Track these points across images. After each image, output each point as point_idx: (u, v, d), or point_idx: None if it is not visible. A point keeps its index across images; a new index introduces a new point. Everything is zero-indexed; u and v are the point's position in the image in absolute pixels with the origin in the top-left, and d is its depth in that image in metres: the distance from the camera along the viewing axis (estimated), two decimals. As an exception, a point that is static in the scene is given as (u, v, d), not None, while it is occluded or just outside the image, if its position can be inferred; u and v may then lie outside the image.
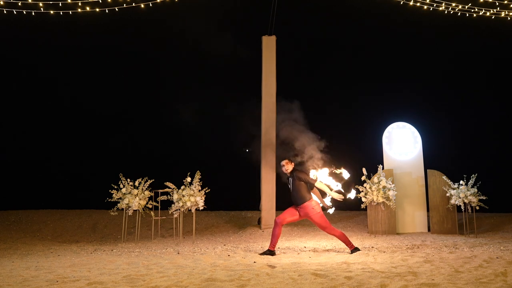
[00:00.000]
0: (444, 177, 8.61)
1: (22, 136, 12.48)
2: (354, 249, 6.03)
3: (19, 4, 8.54)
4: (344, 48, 13.14)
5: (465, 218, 8.43)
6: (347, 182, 6.65)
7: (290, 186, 6.26)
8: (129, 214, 7.83)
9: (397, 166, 9.24)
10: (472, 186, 8.12)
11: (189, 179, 7.76)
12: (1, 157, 11.93)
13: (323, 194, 6.39)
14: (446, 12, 9.80)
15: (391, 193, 8.41)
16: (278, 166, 9.79)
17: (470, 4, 9.59)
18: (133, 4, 9.17)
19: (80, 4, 8.83)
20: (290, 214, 6.17)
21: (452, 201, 8.30)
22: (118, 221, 9.38)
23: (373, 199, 8.47)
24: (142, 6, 9.29)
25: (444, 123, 12.46)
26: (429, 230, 8.99)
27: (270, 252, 5.96)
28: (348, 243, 6.10)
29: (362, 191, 8.56)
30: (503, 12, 9.61)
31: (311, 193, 6.23)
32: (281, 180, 9.87)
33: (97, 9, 9.03)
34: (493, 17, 9.71)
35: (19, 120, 12.57)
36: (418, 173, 9.28)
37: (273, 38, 9.97)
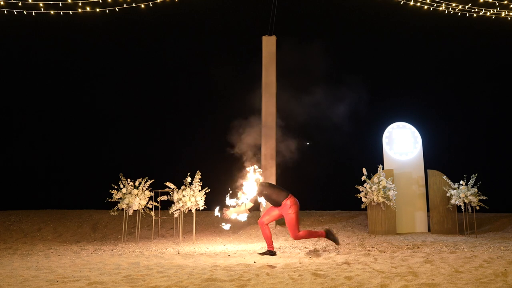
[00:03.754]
0: (444, 177, 8.61)
1: (21, 137, 12.48)
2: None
3: (19, 4, 8.54)
4: (344, 48, 13.13)
5: (465, 218, 8.43)
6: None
7: (264, 203, 6.25)
8: (129, 214, 7.83)
9: (397, 166, 9.24)
10: (472, 186, 8.12)
11: (189, 179, 7.78)
12: (1, 157, 11.93)
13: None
14: (446, 12, 9.81)
15: (391, 193, 8.41)
16: (279, 166, 9.83)
17: (470, 4, 9.60)
18: (133, 4, 9.18)
19: (80, 4, 8.83)
20: (269, 213, 6.12)
21: (452, 201, 8.30)
22: (118, 221, 9.39)
23: (373, 199, 8.47)
24: (142, 6, 9.30)
25: (444, 123, 12.46)
26: (429, 230, 8.99)
27: (270, 253, 5.96)
28: (315, 236, 5.99)
29: (362, 191, 8.56)
30: (503, 12, 9.61)
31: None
32: (281, 181, 9.89)
33: (97, 9, 9.03)
34: (493, 17, 9.71)
35: (19, 120, 12.57)
36: (418, 173, 9.28)
37: (273, 38, 9.98)
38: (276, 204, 5.99)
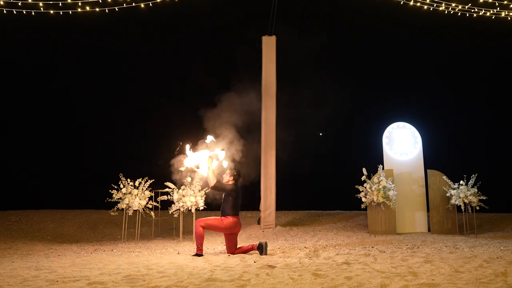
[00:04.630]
0: (444, 177, 8.62)
1: (22, 136, 12.46)
2: (197, 255, 5.86)
3: (19, 4, 8.54)
4: (344, 47, 13.13)
5: (465, 218, 8.43)
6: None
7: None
8: (129, 214, 7.83)
9: (397, 166, 9.24)
10: (472, 186, 8.12)
11: (189, 179, 7.78)
12: (2, 157, 11.92)
13: None
14: (446, 12, 9.81)
15: (391, 193, 8.41)
16: (279, 166, 9.82)
17: (470, 4, 9.60)
18: (133, 4, 9.17)
19: (80, 4, 8.83)
20: (230, 241, 6.09)
21: (452, 201, 8.30)
22: (118, 221, 9.38)
23: (373, 199, 8.47)
24: (142, 6, 9.29)
25: (444, 123, 12.46)
26: (429, 230, 8.99)
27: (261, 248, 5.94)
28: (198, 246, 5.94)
29: (362, 191, 8.56)
30: (503, 12, 9.61)
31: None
32: (281, 179, 9.90)
33: (97, 9, 9.03)
34: (493, 17, 9.71)
35: (19, 120, 12.56)
36: (418, 173, 9.28)
37: (273, 38, 9.98)
38: (222, 212, 6.08)
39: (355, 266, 4.72)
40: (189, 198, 7.65)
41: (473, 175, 8.17)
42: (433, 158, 9.95)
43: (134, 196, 7.73)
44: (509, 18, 9.72)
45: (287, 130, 10.18)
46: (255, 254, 6.03)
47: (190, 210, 7.80)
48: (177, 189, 7.76)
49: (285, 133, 10.07)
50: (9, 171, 11.98)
